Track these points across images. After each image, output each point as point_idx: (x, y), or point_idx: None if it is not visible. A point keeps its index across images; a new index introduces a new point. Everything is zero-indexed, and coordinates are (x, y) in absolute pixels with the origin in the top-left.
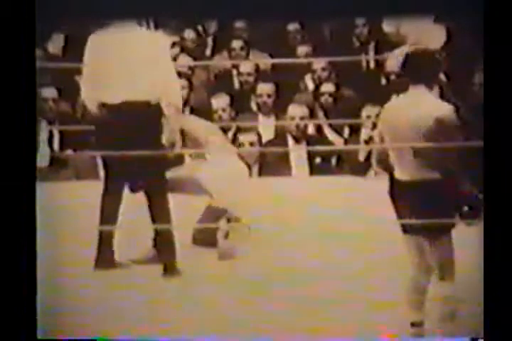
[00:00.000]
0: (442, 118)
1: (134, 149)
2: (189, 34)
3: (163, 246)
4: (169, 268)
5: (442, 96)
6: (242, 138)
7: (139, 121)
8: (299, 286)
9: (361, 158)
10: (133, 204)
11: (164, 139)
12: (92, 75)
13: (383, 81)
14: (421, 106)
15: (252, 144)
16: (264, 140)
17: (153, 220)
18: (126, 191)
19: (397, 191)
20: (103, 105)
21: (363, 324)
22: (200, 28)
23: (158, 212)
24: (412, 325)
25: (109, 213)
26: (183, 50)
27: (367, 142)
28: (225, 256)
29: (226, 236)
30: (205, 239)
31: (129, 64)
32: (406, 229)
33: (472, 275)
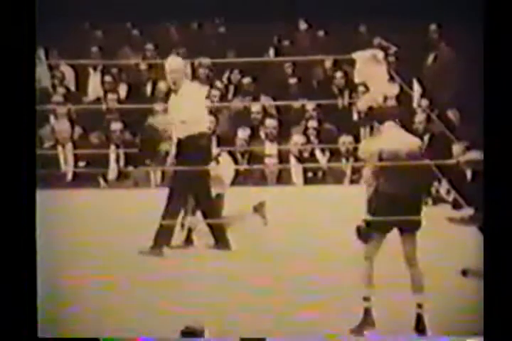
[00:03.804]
0: (413, 146)
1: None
2: (218, 83)
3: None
4: (221, 241)
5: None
6: (267, 160)
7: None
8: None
9: (348, 171)
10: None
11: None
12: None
13: (355, 117)
14: (395, 138)
15: (274, 165)
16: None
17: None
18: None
19: (375, 200)
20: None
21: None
22: (225, 79)
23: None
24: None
25: (171, 210)
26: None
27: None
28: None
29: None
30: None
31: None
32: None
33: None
